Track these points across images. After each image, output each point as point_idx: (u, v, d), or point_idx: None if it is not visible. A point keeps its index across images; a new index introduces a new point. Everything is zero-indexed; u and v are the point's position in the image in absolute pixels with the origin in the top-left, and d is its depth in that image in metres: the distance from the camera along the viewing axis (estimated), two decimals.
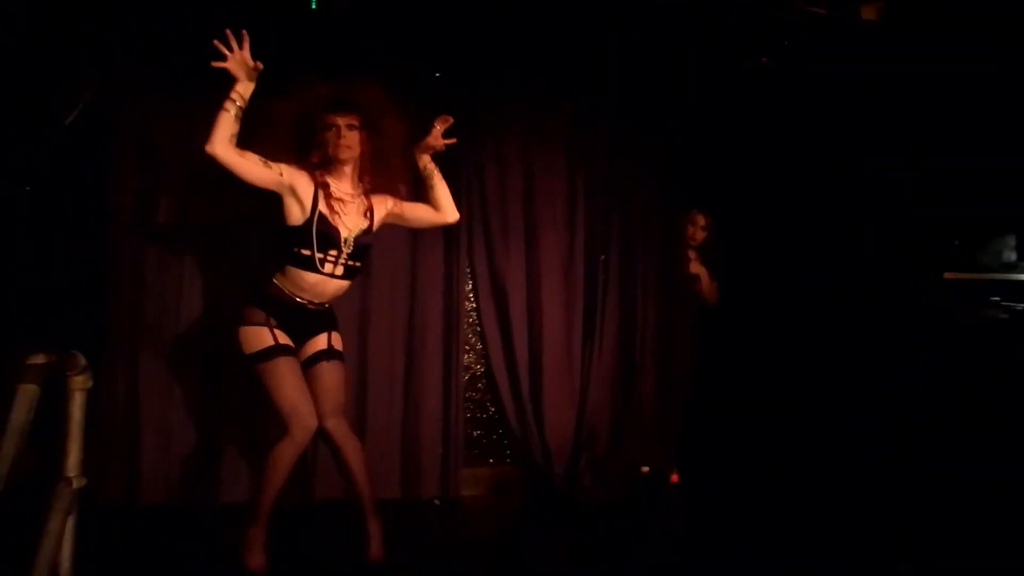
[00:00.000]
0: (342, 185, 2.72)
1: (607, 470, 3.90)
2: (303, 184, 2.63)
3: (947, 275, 3.28)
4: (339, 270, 2.68)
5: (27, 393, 1.92)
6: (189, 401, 3.44)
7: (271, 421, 2.74)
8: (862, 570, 2.77)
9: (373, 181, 2.80)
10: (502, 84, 3.80)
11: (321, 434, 2.68)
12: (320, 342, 2.76)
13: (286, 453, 2.54)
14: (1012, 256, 3.37)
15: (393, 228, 3.58)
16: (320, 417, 2.63)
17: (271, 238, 2.82)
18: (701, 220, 4.00)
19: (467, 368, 3.94)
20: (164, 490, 3.37)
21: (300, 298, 2.68)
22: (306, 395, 2.60)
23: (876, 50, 3.37)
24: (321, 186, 2.65)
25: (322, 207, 2.63)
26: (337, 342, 2.81)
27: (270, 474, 2.55)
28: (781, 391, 3.84)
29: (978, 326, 3.26)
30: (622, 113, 4.03)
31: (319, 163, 2.68)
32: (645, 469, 3.95)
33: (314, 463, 3.46)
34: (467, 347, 3.91)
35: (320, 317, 2.78)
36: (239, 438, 3.46)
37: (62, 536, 1.93)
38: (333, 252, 2.65)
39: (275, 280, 2.68)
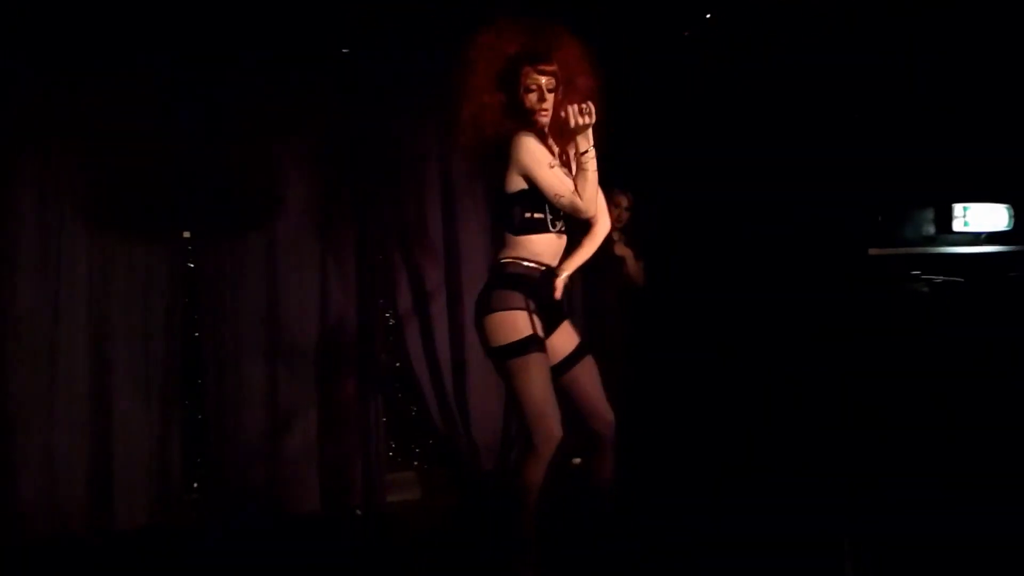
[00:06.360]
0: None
1: None
2: None
3: (872, 251, 3.26)
4: (560, 224, 2.39)
5: None
6: (75, 417, 3.10)
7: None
8: None
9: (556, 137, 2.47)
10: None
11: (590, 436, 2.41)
12: (570, 333, 2.44)
13: (535, 472, 2.24)
14: (931, 229, 3.39)
15: (303, 213, 3.36)
16: (601, 419, 2.39)
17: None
18: (624, 201, 3.88)
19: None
20: (49, 521, 3.04)
21: (540, 262, 2.35)
22: (554, 400, 2.30)
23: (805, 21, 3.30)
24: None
25: None
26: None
27: (525, 499, 2.25)
28: (717, 374, 3.76)
29: (901, 301, 3.26)
30: None
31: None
32: (577, 461, 3.81)
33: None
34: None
35: (556, 302, 2.43)
36: (135, 455, 3.18)
37: None
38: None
39: (508, 258, 2.33)
